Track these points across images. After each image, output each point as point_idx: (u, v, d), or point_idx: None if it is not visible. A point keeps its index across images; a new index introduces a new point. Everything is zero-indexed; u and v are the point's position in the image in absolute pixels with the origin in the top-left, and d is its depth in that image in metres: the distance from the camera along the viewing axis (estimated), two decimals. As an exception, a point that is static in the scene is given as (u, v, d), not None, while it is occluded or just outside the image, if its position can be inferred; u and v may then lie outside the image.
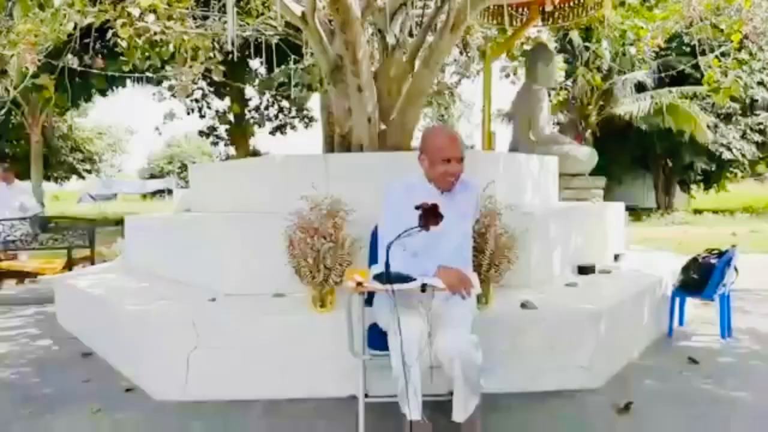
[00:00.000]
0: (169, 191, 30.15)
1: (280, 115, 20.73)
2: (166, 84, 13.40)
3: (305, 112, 20.48)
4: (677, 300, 4.19)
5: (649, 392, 3.07)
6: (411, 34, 5.98)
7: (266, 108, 20.40)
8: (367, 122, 4.83)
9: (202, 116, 19.11)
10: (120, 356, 3.53)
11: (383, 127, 5.00)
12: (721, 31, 7.36)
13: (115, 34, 5.81)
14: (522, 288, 3.49)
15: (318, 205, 3.00)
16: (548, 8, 6.00)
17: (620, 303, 3.44)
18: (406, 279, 2.38)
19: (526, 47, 8.20)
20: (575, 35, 14.68)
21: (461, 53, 10.72)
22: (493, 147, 6.20)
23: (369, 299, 2.61)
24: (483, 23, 7.19)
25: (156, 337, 3.11)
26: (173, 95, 12.85)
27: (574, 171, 6.38)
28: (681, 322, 4.27)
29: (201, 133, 20.77)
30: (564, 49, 15.84)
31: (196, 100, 18.74)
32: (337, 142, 5.39)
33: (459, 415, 2.42)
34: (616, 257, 4.90)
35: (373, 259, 2.69)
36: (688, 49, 15.30)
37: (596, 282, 3.97)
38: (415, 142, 4.96)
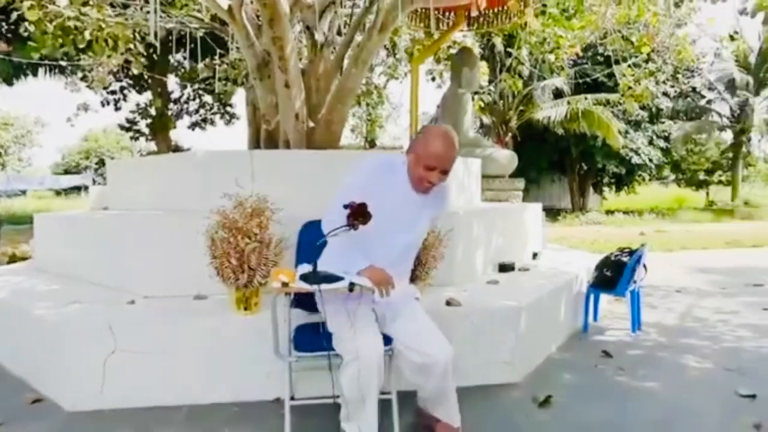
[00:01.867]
0: (86, 188, 28.47)
1: (202, 110, 20.02)
2: (82, 74, 12.59)
3: (228, 109, 19.90)
4: (592, 296, 4.43)
5: (567, 385, 3.22)
6: (340, 33, 5.95)
7: (186, 101, 19.63)
8: (295, 119, 4.75)
9: (117, 109, 18.10)
10: (26, 365, 3.25)
11: (311, 124, 4.93)
12: (632, 43, 7.89)
13: (21, 17, 5.36)
14: (447, 286, 3.56)
15: (242, 203, 2.90)
16: (474, 14, 6.15)
17: (539, 299, 3.58)
18: (334, 278, 2.35)
19: (452, 51, 8.40)
20: (498, 41, 15.23)
21: (389, 55, 10.82)
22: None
23: (310, 305, 2.54)
24: (411, 26, 7.27)
25: (68, 342, 2.88)
26: (89, 86, 12.08)
27: (495, 173, 6.60)
28: (595, 318, 4.51)
29: (121, 127, 19.67)
30: (487, 54, 16.40)
31: (114, 92, 17.73)
32: (264, 138, 5.26)
33: (456, 418, 2.46)
34: (535, 255, 5.12)
35: (300, 259, 2.64)
36: (602, 59, 16.31)
37: (516, 279, 4.12)
38: (344, 140, 4.93)
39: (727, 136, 22.16)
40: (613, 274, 4.23)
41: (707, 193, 25.39)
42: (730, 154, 21.93)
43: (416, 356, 2.29)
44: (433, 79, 10.21)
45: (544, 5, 7.62)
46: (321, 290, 2.22)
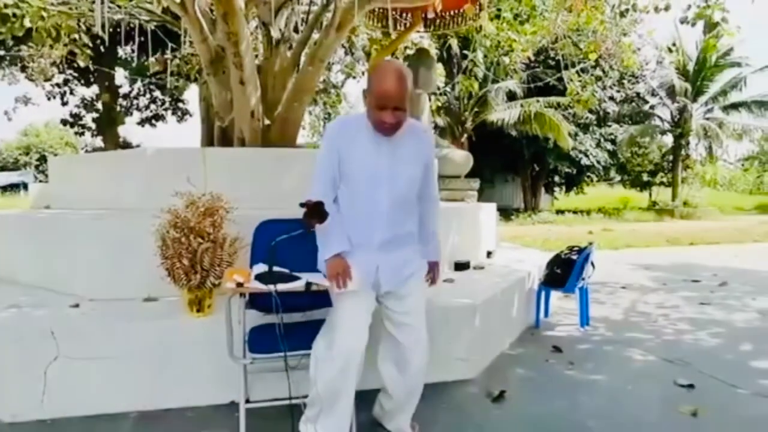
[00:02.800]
0: (25, 185, 27.08)
1: (152, 106, 19.40)
2: (21, 65, 11.96)
3: (181, 105, 19.36)
4: (543, 293, 4.56)
5: (520, 380, 3.30)
6: (296, 30, 5.89)
7: (136, 96, 18.98)
8: (250, 116, 4.67)
9: (64, 103, 17.31)
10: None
11: (267, 122, 4.86)
12: (581, 49, 8.16)
13: (-49, 3, 5.06)
14: (404, 285, 3.58)
15: (195, 202, 2.83)
16: (430, 15, 6.22)
17: (493, 297, 3.65)
18: (290, 278, 2.33)
19: (410, 52, 8.45)
20: (454, 44, 15.44)
21: (347, 53, 10.80)
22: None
23: (265, 306, 2.50)
24: (368, 25, 7.28)
25: (6, 350, 2.74)
26: (29, 78, 11.50)
27: (451, 173, 6.68)
28: (546, 314, 4.65)
29: (64, 122, 18.78)
30: (444, 56, 16.60)
31: (58, 85, 16.94)
32: (217, 135, 5.15)
33: (406, 425, 2.51)
34: (489, 254, 5.22)
35: (256, 259, 2.60)
36: (553, 63, 16.76)
37: (471, 278, 4.19)
38: (301, 138, 4.89)
39: (668, 140, 23.21)
40: (563, 271, 4.37)
41: (650, 194, 26.51)
42: (671, 157, 22.99)
43: (400, 337, 2.35)
44: (390, 79, 10.23)
45: (499, 10, 7.78)
46: (276, 291, 2.20)
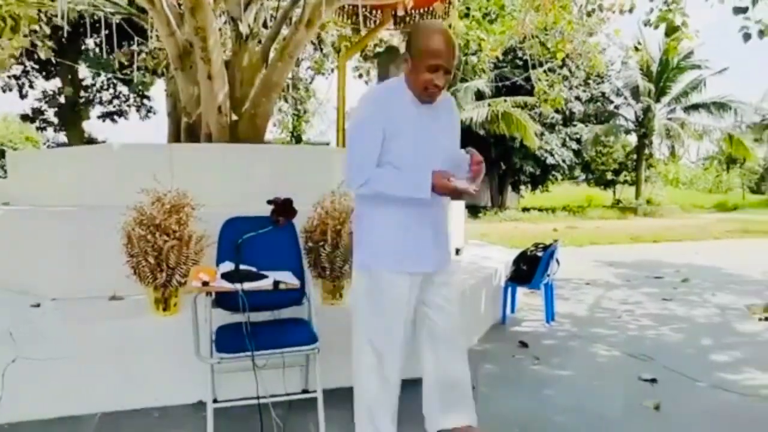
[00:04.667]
0: (-21, 182, 25.85)
1: (116, 101, 18.88)
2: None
3: (146, 101, 18.91)
4: (509, 289, 4.63)
5: (488, 375, 3.34)
6: (266, 26, 5.82)
7: (100, 90, 18.44)
8: (218, 112, 4.60)
9: (23, 96, 16.68)
10: None
11: (235, 118, 4.80)
12: (548, 49, 8.30)
13: None
14: (374, 283, 3.58)
15: (161, 198, 2.77)
16: (400, 13, 6.23)
17: (461, 294, 3.68)
18: (257, 276, 2.31)
19: (379, 49, 8.45)
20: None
21: (316, 49, 10.73)
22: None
23: (232, 304, 2.46)
24: (338, 22, 7.25)
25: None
26: (-17, 70, 11.03)
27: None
28: (513, 310, 4.72)
29: (24, 117, 18.10)
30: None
31: (15, 77, 16.32)
32: (184, 131, 5.06)
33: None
34: (457, 251, 5.26)
35: (222, 257, 2.56)
36: (521, 63, 17.00)
37: (442, 275, 4.21)
38: (269, 135, 4.83)
39: (632, 139, 23.83)
40: (529, 268, 4.44)
41: (614, 192, 27.17)
42: (635, 156, 23.59)
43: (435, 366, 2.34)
44: (360, 76, 10.24)
45: (468, 8, 7.85)
46: (243, 289, 2.18)
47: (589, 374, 3.38)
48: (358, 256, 2.18)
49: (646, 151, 22.66)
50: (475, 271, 4.43)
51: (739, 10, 5.51)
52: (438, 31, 2.00)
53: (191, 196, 2.85)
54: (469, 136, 18.56)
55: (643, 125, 21.87)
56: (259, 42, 5.36)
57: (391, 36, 8.63)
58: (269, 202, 2.15)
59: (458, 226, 5.62)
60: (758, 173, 31.97)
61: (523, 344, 3.91)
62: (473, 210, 17.85)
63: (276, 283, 2.28)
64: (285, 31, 5.61)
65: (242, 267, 2.30)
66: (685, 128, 21.70)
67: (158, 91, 17.37)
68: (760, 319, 4.87)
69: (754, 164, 29.94)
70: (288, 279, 2.35)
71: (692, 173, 36.24)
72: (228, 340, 2.34)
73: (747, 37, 5.58)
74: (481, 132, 17.95)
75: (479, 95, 18.28)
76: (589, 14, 7.38)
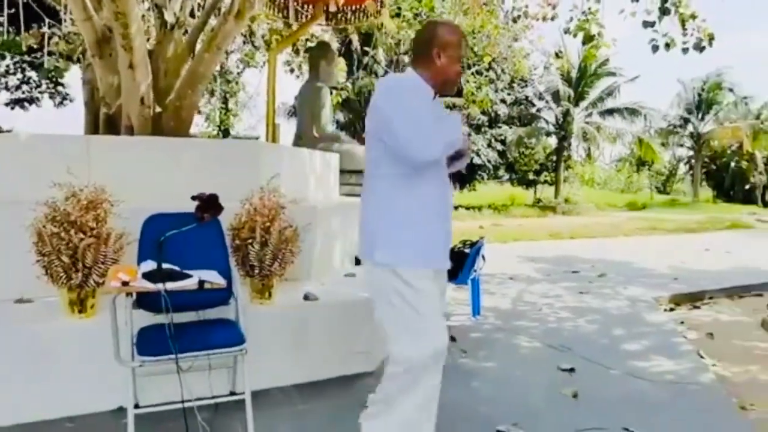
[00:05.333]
0: None
1: (25, 87, 17.47)
2: None
3: (60, 88, 17.64)
4: (439, 286, 4.72)
5: (416, 370, 3.40)
6: (193, 15, 5.60)
7: (5, 75, 16.99)
8: (140, 103, 4.38)
9: None
10: None
11: (158, 110, 4.59)
12: (476, 52, 8.55)
13: None
14: (304, 280, 3.56)
15: (76, 194, 2.61)
16: (332, 9, 6.19)
17: (393, 291, 3.73)
18: (181, 276, 2.22)
19: (311, 44, 8.37)
20: (355, 39, 15.51)
21: (246, 42, 10.47)
22: (277, 140, 6.18)
23: (154, 305, 2.34)
24: (269, 15, 7.10)
25: None
26: None
27: (352, 168, 6.71)
28: (442, 305, 4.82)
29: None
30: (345, 51, 16.61)
31: None
32: (103, 122, 4.77)
33: None
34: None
35: (144, 255, 2.44)
36: (449, 64, 17.39)
37: (372, 272, 4.24)
38: (195, 128, 4.65)
39: (553, 141, 25.01)
40: (457, 264, 4.55)
41: (535, 192, 28.38)
42: (554, 157, 24.78)
43: None
44: (292, 70, 10.09)
45: (399, 8, 7.93)
46: (166, 289, 2.09)
47: (512, 365, 3.53)
48: (392, 251, 2.00)
49: (565, 153, 23.85)
50: (405, 268, 4.49)
51: (648, 24, 5.93)
52: (456, 26, 2.19)
53: (110, 192, 2.70)
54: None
55: (563, 128, 23.01)
56: (186, 32, 5.15)
57: (323, 31, 8.57)
58: (194, 198, 2.07)
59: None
60: (664, 175, 34.45)
61: (451, 338, 3.99)
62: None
63: (201, 282, 2.21)
64: (213, 21, 5.42)
65: (165, 266, 2.21)
66: (601, 132, 23.07)
67: (74, 79, 16.25)
68: (665, 310, 5.28)
69: (661, 166, 32.28)
70: (214, 278, 2.28)
71: (606, 174, 38.48)
72: (150, 343, 2.24)
73: (655, 48, 6.02)
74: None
75: (410, 94, 18.50)
76: (514, 20, 7.67)
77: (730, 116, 26.64)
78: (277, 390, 2.94)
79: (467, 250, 4.60)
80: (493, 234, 11.18)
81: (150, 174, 3.61)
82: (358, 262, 4.44)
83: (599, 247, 9.89)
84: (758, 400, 3.06)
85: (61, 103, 17.88)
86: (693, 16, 5.86)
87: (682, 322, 4.85)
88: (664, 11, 5.79)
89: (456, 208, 20.42)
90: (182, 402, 2.20)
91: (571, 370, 3.42)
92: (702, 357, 3.76)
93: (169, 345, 2.15)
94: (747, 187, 27.85)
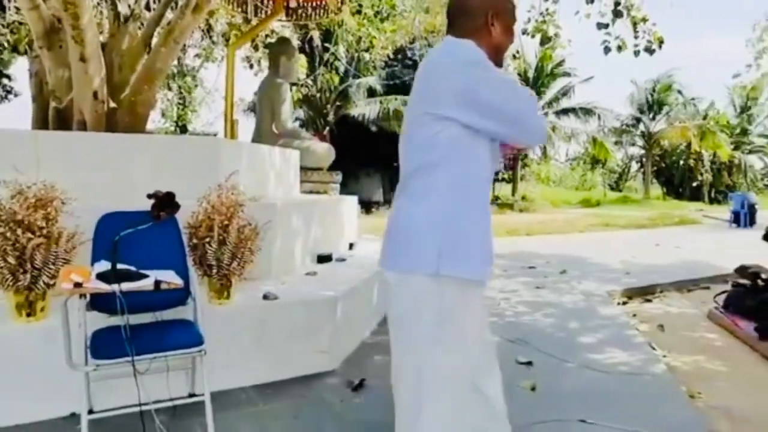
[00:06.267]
0: None
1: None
2: None
3: (5, 81, 16.85)
4: (401, 283, 4.75)
5: (379, 367, 3.41)
6: (148, 8, 5.44)
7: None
8: (93, 98, 4.23)
9: None
10: None
11: (113, 105, 4.44)
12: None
13: None
14: (264, 279, 3.52)
15: (23, 192, 2.50)
16: (292, 5, 6.13)
17: (354, 288, 3.73)
18: (137, 276, 2.16)
19: (271, 40, 8.26)
20: (316, 36, 15.41)
21: (204, 37, 10.25)
22: (236, 136, 6.09)
23: (109, 307, 2.27)
24: (228, 9, 6.98)
25: None
26: None
27: (313, 165, 6.68)
28: (403, 302, 4.85)
29: None
30: (305, 47, 16.48)
31: None
32: (53, 117, 4.58)
33: None
34: (351, 246, 5.32)
35: (97, 256, 2.35)
36: (411, 63, 17.49)
37: (333, 270, 4.24)
38: (152, 124, 4.52)
39: (511, 140, 25.48)
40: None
41: (493, 190, 28.88)
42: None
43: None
44: (251, 66, 9.93)
45: (360, 5, 7.91)
46: (121, 290, 2.03)
47: (473, 361, 3.58)
48: (442, 260, 1.66)
49: (522, 152, 24.34)
50: (369, 266, 4.50)
51: (602, 26, 6.12)
52: None
53: (61, 190, 2.60)
54: (361, 132, 18.78)
55: (521, 127, 23.45)
56: (141, 25, 5.00)
57: (284, 27, 8.47)
58: (149, 196, 2.01)
59: (352, 221, 5.67)
60: (617, 173, 35.62)
61: (413, 335, 4.03)
62: (366, 205, 18.08)
63: (157, 282, 2.15)
64: (170, 15, 5.28)
65: (120, 266, 2.14)
66: (557, 131, 23.63)
67: (20, 71, 15.52)
68: (618, 304, 5.46)
69: (614, 164, 33.35)
70: (171, 278, 2.23)
71: (561, 172, 39.48)
72: (105, 346, 2.17)
73: (607, 50, 6.22)
74: (373, 128, 18.22)
75: (371, 92, 18.53)
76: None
77: (680, 116, 27.77)
78: (238, 390, 2.90)
79: (428, 248, 4.64)
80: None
81: (104, 171, 3.50)
82: (319, 260, 4.42)
83: (555, 244, 10.14)
84: (705, 388, 3.21)
85: (5, 97, 17.07)
86: (644, 20, 6.08)
87: (635, 315, 5.04)
88: (617, 14, 5.99)
89: (417, 205, 20.55)
90: (139, 405, 2.14)
91: (529, 363, 3.50)
92: (653, 348, 3.91)
93: (125, 347, 2.09)
94: (695, 184, 29.10)
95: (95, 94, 4.23)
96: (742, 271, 4.90)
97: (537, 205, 21.95)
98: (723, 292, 4.97)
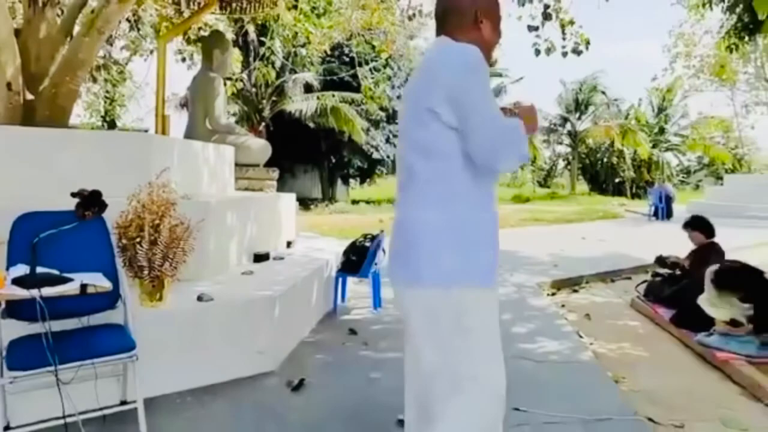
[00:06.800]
0: None
1: None
2: None
3: None
4: (340, 279, 4.75)
5: (319, 366, 3.40)
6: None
7: None
8: (6, 89, 3.95)
9: None
10: None
11: (30, 97, 4.16)
12: (373, 47, 8.65)
13: None
14: (198, 280, 3.41)
15: (-72, 191, 2.30)
16: (226, -3, 5.98)
17: (293, 287, 3.69)
18: (60, 280, 2.04)
19: (204, 33, 7.99)
20: (251, 30, 15.06)
21: (132, 28, 9.78)
22: (167, 132, 5.85)
23: (27, 313, 2.12)
24: (158, 0, 6.69)
25: None
26: None
27: (249, 161, 6.53)
28: (343, 299, 4.85)
29: None
30: (240, 42, 16.08)
31: None
32: (-41, 111, 4.24)
33: None
34: (289, 244, 5.25)
35: (14, 259, 2.20)
36: (348, 60, 17.44)
37: (271, 268, 4.17)
38: (76, 119, 4.27)
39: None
40: (358, 258, 4.61)
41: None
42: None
43: None
44: (183, 59, 9.57)
45: (296, 0, 7.80)
46: (41, 296, 1.91)
47: (412, 356, 3.63)
48: (460, 267, 1.61)
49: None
50: (307, 263, 4.46)
51: (532, 28, 6.34)
52: None
53: (-30, 188, 2.41)
54: (299, 128, 18.56)
55: (457, 124, 24.00)
56: (61, 11, 4.70)
57: (217, 20, 8.22)
58: (74, 194, 1.90)
59: (289, 218, 5.60)
60: (545, 170, 37.08)
61: (353, 331, 4.04)
62: (304, 202, 17.90)
63: (83, 286, 2.04)
64: (93, 2, 5.00)
65: (40, 270, 2.01)
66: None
67: None
68: (548, 295, 5.70)
69: (542, 162, 34.70)
70: (98, 281, 2.12)
71: (496, 169, 40.66)
72: (24, 355, 2.04)
73: (537, 52, 6.45)
74: (311, 125, 18.05)
75: (308, 88, 18.35)
76: (410, 18, 7.84)
77: (604, 116, 29.27)
78: (173, 395, 2.80)
79: (368, 244, 4.66)
80: (388, 227, 11.39)
81: (21, 168, 3.28)
82: (256, 259, 4.33)
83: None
84: (629, 373, 3.41)
85: None
86: (571, 22, 6.36)
87: (563, 305, 5.27)
88: (546, 16, 6.22)
89: (357, 202, 20.60)
90: (64, 417, 2.02)
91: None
92: (581, 337, 4.11)
93: (46, 356, 1.96)
94: (617, 180, 30.75)
95: (9, 85, 3.96)
96: (660, 261, 5.23)
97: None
98: (643, 282, 5.30)
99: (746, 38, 7.64)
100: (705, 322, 3.84)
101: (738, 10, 7.29)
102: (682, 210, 14.93)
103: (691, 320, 4.03)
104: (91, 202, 1.95)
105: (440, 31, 1.78)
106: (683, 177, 33.06)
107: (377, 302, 4.74)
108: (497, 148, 1.56)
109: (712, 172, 32.02)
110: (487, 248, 1.67)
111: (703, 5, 8.19)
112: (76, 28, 4.68)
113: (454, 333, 1.64)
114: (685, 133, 29.77)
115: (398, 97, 20.94)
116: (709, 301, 3.78)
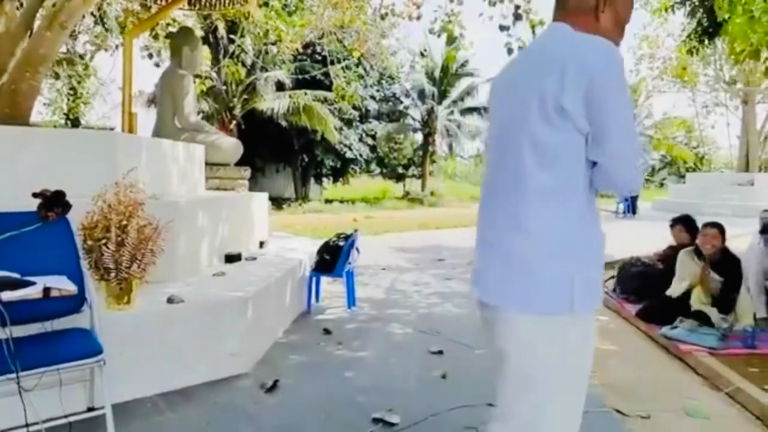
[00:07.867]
0: None
1: None
2: None
3: None
4: (314, 279, 4.72)
5: (293, 366, 3.36)
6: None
7: None
8: (-38, 87, 3.79)
9: None
10: None
11: (-13, 95, 4.01)
12: (345, 47, 8.63)
13: None
14: (168, 282, 3.34)
15: None
16: (195, -8, 5.87)
17: (266, 288, 3.64)
18: (21, 284, 1.96)
19: (172, 30, 7.84)
20: (221, 27, 14.85)
21: (97, 23, 9.54)
22: (135, 130, 5.72)
23: None
24: (122, -6, 6.53)
25: None
26: None
27: (220, 160, 6.44)
28: (317, 298, 4.83)
29: None
30: (210, 39, 15.83)
31: None
32: None
33: None
34: (261, 244, 5.19)
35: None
36: (320, 58, 17.34)
37: (243, 269, 4.12)
38: (38, 116, 4.13)
39: (419, 137, 26.14)
40: (332, 257, 4.59)
41: (404, 185, 29.47)
42: (421, 152, 25.91)
43: None
44: (150, 56, 9.37)
45: (267, -3, 7.72)
46: (1, 300, 1.84)
47: (386, 353, 3.63)
48: (578, 297, 1.40)
49: (430, 148, 25.02)
50: (281, 264, 4.42)
51: (503, 28, 6.42)
52: None
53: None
54: (271, 127, 18.37)
55: (428, 125, 24.10)
56: (21, 5, 4.54)
57: (186, 17, 8.07)
58: (35, 195, 1.83)
59: (262, 218, 5.53)
60: (517, 168, 37.57)
61: (327, 331, 4.02)
62: (277, 202, 17.74)
63: (46, 289, 1.98)
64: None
65: (0, 273, 1.94)
66: (462, 128, 24.55)
67: None
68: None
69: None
70: (62, 284, 2.06)
71: (467, 168, 41.04)
72: (-14, 360, 1.95)
73: (510, 51, 6.53)
74: (283, 123, 17.89)
75: (280, 86, 18.18)
76: (382, 17, 7.85)
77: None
78: (143, 400, 2.73)
79: (342, 244, 4.64)
80: (366, 226, 11.38)
81: (-22, 168, 3.15)
82: (228, 259, 4.27)
83: (462, 236, 10.52)
84: (598, 366, 3.45)
85: None
86: (541, 23, 6.45)
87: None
88: (517, 17, 6.31)
89: (330, 201, 20.51)
90: (26, 426, 1.95)
91: (440, 352, 3.61)
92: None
93: (6, 363, 1.89)
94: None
95: (-34, 82, 3.80)
96: (630, 262, 5.35)
97: (444, 200, 22.66)
98: (612, 278, 5.41)
99: (706, 41, 7.90)
100: (670, 316, 3.96)
101: (698, 14, 7.52)
102: (647, 207, 15.30)
103: (656, 315, 4.15)
104: (54, 202, 1.89)
105: (557, 14, 1.50)
106: (647, 176, 33.90)
107: (351, 301, 4.72)
108: (634, 165, 1.39)
109: (675, 170, 32.94)
110: (599, 270, 1.51)
111: (666, 9, 8.43)
112: (37, 23, 4.53)
113: (552, 363, 1.45)
114: (650, 133, 30.57)
115: (371, 97, 20.96)
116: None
